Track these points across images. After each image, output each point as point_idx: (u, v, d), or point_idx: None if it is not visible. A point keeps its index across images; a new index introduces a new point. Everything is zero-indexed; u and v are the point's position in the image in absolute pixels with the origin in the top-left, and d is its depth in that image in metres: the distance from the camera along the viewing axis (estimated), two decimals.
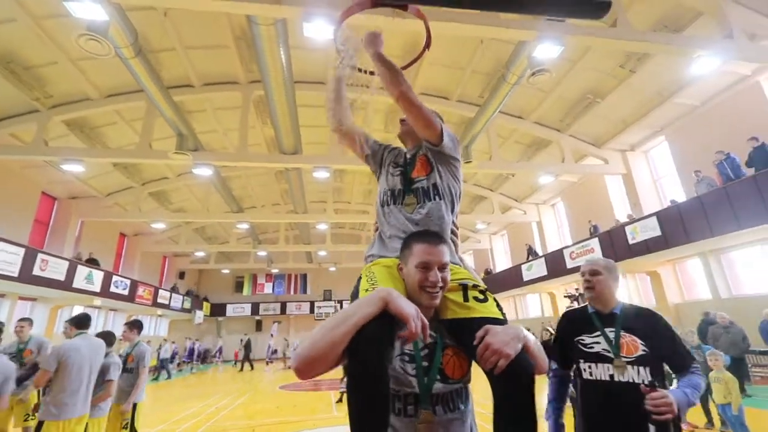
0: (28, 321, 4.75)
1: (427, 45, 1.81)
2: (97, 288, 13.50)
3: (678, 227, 9.66)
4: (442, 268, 1.10)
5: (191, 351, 21.09)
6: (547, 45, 7.19)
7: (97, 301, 13.81)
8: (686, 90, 10.34)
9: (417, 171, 1.39)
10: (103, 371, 3.62)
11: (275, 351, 19.12)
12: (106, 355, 3.71)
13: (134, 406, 4.11)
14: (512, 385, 0.92)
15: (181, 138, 10.37)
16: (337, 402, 8.39)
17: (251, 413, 8.06)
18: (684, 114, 11.29)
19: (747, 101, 9.69)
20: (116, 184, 14.84)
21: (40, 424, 2.99)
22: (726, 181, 8.80)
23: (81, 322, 3.62)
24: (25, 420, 4.29)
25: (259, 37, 7.25)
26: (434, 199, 1.32)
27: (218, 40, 9.66)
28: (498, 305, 1.14)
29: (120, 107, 11.02)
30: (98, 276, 13.67)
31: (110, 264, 17.27)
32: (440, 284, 1.08)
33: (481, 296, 1.13)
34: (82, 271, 12.65)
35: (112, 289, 14.63)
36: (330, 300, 27.99)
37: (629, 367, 1.66)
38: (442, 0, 1.82)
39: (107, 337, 3.90)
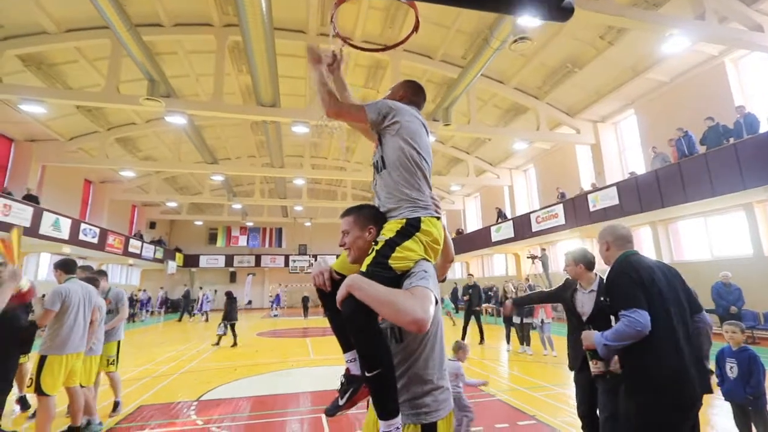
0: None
1: (416, 28, 2.00)
2: (65, 235, 13.20)
3: (634, 198, 10.44)
4: (343, 233, 1.50)
5: (143, 302, 20.82)
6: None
7: (66, 249, 13.54)
8: (658, 66, 10.70)
9: (375, 150, 1.69)
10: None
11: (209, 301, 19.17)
12: None
13: (118, 343, 4.48)
14: (344, 316, 1.33)
15: (153, 83, 9.85)
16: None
17: (231, 356, 8.57)
18: (653, 89, 11.73)
19: (711, 81, 10.20)
20: (80, 128, 14.04)
21: (43, 358, 3.23)
22: (681, 158, 9.47)
23: (69, 267, 3.76)
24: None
25: None
26: (381, 170, 1.58)
27: None
28: (375, 258, 1.34)
29: (81, 44, 10.23)
30: (66, 223, 13.30)
31: (76, 211, 16.72)
32: (345, 245, 1.48)
33: (370, 252, 1.39)
34: (48, 217, 12.28)
35: (81, 236, 14.33)
36: (305, 254, 28.41)
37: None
38: None
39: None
